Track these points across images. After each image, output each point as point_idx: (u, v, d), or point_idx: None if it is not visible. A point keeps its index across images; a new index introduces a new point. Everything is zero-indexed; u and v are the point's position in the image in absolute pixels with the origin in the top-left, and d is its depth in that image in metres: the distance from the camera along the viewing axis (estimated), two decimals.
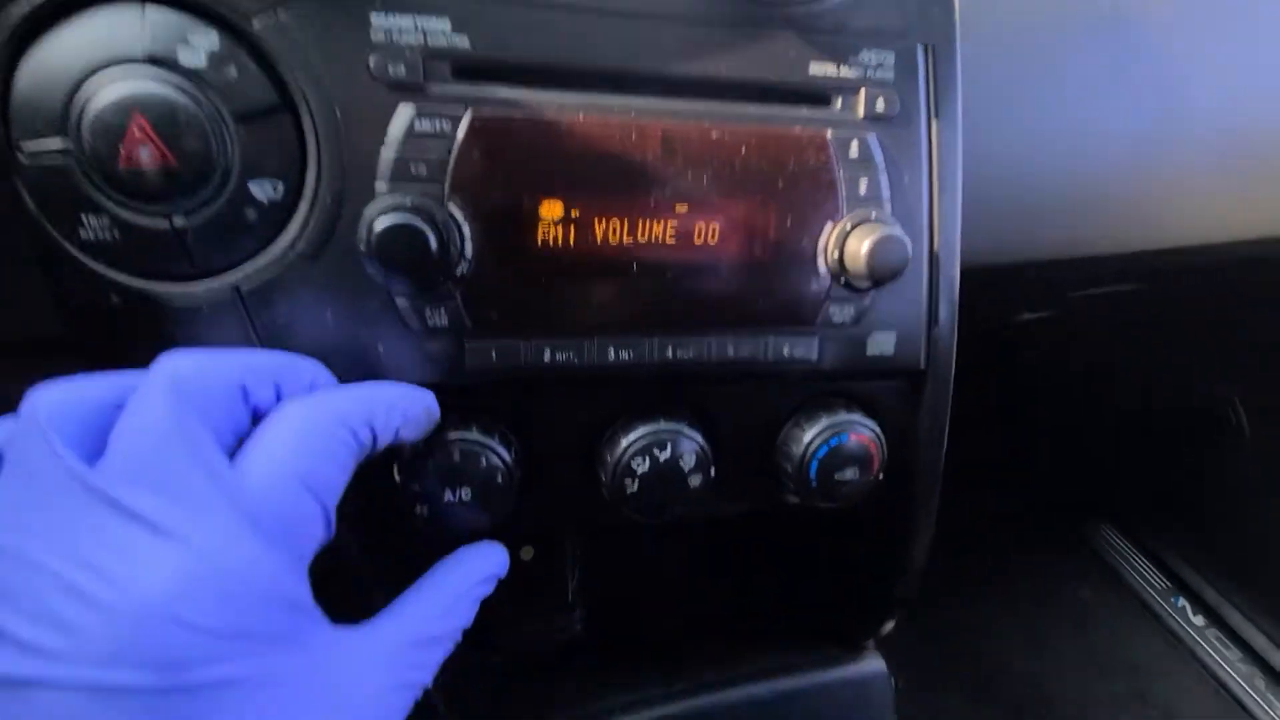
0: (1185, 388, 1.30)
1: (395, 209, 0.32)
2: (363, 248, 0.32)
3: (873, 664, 0.60)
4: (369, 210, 0.33)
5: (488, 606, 0.35)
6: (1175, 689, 1.22)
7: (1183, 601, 1.35)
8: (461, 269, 0.35)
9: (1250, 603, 1.27)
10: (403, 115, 0.33)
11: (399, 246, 0.31)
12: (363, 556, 0.41)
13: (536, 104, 0.34)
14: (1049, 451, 1.61)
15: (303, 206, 0.33)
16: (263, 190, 0.33)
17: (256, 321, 0.34)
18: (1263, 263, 0.89)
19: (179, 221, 0.32)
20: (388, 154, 0.33)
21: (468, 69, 0.34)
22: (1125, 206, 0.61)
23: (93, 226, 0.31)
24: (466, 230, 0.34)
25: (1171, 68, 0.60)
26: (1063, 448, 1.59)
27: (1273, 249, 0.74)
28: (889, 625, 0.59)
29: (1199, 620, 1.32)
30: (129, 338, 0.34)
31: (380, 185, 0.33)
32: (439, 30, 0.33)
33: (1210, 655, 1.27)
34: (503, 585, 0.37)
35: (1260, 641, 1.24)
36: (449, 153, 0.33)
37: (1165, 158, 0.62)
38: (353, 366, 0.35)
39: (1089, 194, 0.59)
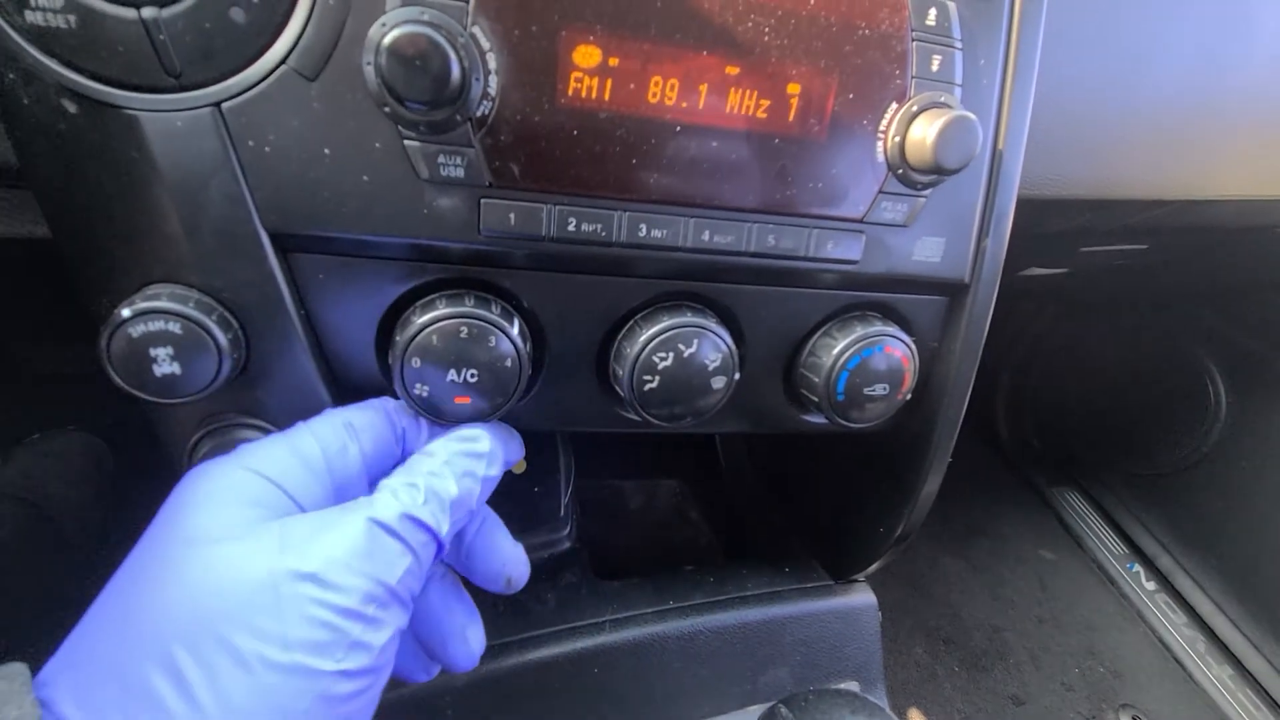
0: (1165, 357, 1.32)
1: (409, 21, 0.27)
2: (369, 67, 0.27)
3: (863, 596, 0.59)
4: (379, 21, 0.28)
5: None
6: (1122, 646, 1.27)
7: (1137, 567, 1.40)
8: (483, 109, 0.30)
9: (1201, 571, 1.32)
10: None
11: (413, 65, 0.27)
12: None
13: None
14: (1023, 413, 1.63)
15: (300, 11, 0.28)
16: None
17: (241, 151, 0.29)
18: (1266, 233, 0.88)
19: (149, 12, 0.26)
20: None
21: None
22: (1168, 148, 0.58)
23: (42, 5, 0.26)
24: (492, 62, 0.29)
25: (1235, 5, 0.57)
26: (1037, 410, 1.61)
27: None
28: (883, 561, 0.58)
29: (1150, 585, 1.37)
30: (88, 160, 0.29)
31: None
32: None
33: (1158, 618, 1.32)
34: (494, 495, 0.34)
35: (1206, 607, 1.29)
36: None
37: (1212, 101, 0.58)
38: (350, 215, 0.31)
39: (1136, 131, 0.56)
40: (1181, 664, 1.26)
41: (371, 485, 0.30)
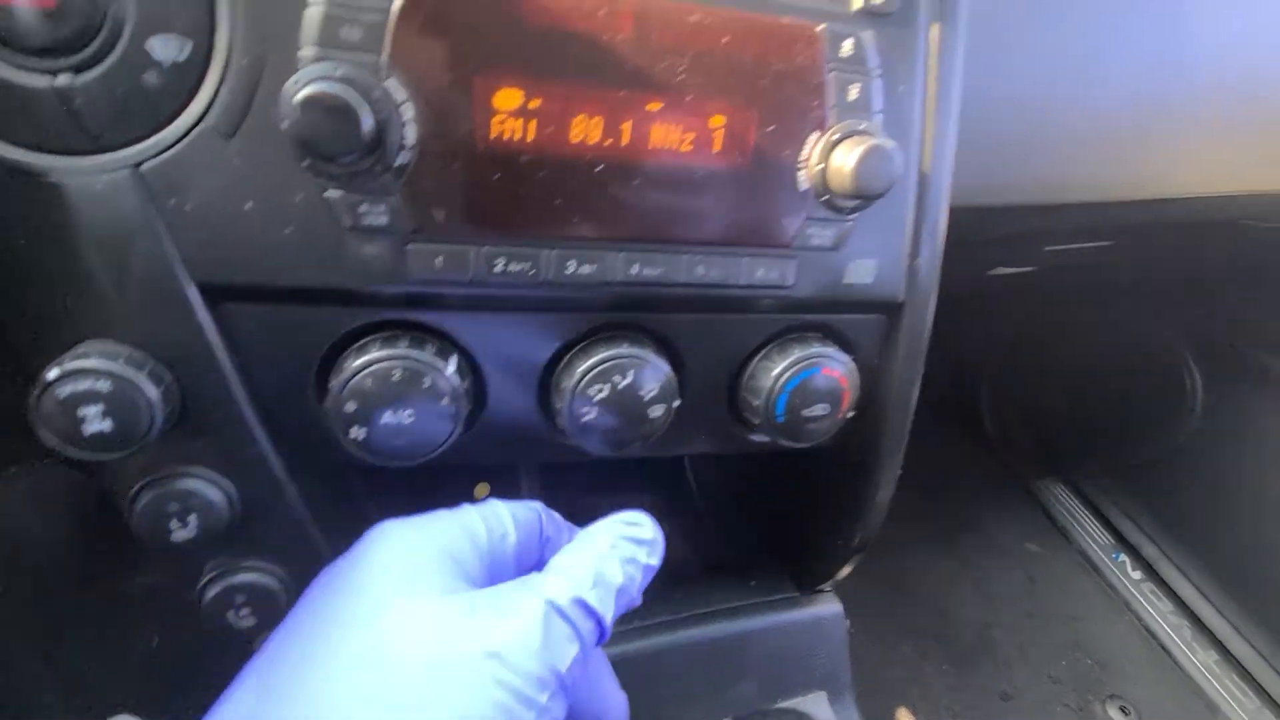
0: (1143, 350, 1.33)
1: (322, 78, 0.27)
2: (283, 124, 0.28)
3: (829, 606, 0.60)
4: (292, 78, 0.28)
5: None
6: (1109, 637, 1.28)
7: (1123, 557, 1.41)
8: (402, 159, 0.31)
9: (1184, 558, 1.33)
10: None
11: (324, 123, 0.27)
12: (295, 485, 0.38)
13: None
14: (1007, 409, 1.64)
15: (213, 72, 0.28)
16: (165, 49, 0.28)
17: (162, 209, 0.30)
18: (1234, 226, 0.89)
19: (63, 80, 0.27)
20: (314, 12, 0.28)
21: None
22: (1115, 151, 0.59)
23: None
24: (408, 112, 0.30)
25: (1180, 5, 0.58)
26: (1020, 406, 1.62)
27: (1251, 208, 0.73)
28: (847, 569, 0.59)
29: (1136, 574, 1.38)
30: (10, 224, 0.29)
31: (305, 50, 0.28)
32: None
33: (1144, 607, 1.33)
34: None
35: (1190, 594, 1.30)
36: (387, 16, 0.29)
37: (1165, 101, 0.59)
38: (276, 267, 0.31)
39: (1086, 134, 0.57)
40: (1168, 651, 1.27)
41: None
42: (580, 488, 0.69)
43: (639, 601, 0.30)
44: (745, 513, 0.68)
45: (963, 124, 0.49)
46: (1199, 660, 1.25)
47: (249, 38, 0.28)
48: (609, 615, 0.28)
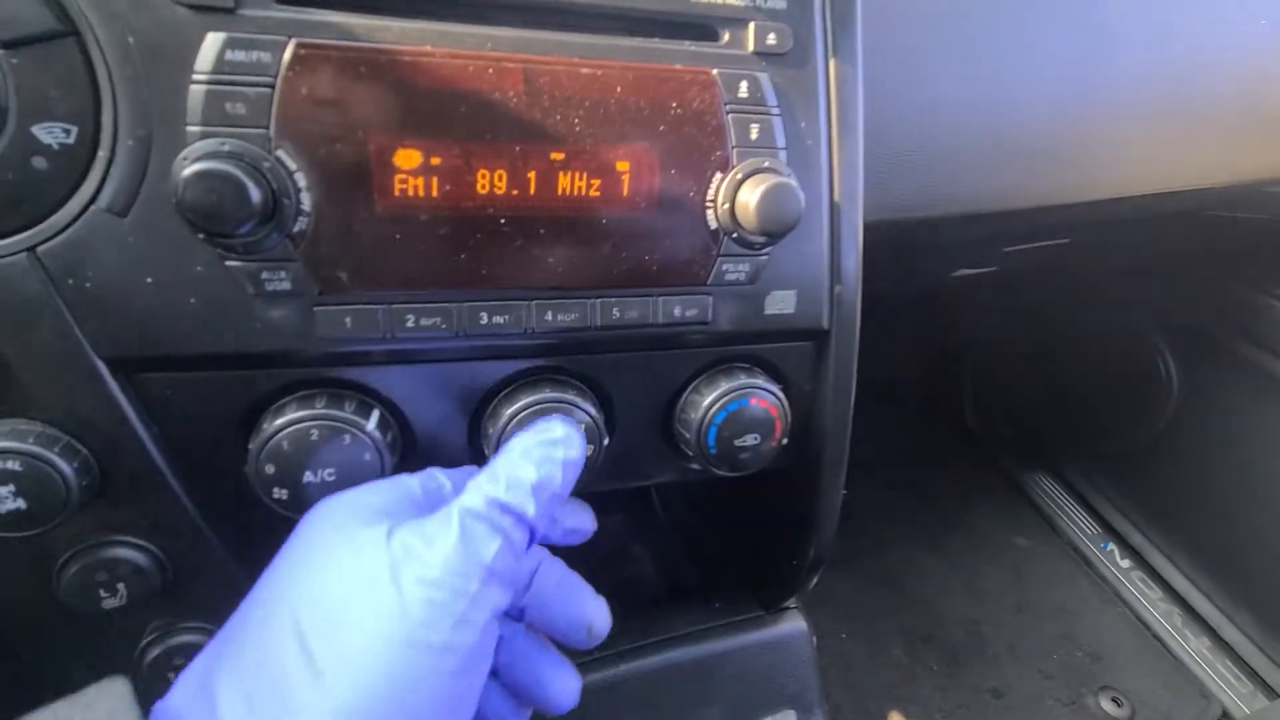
0: (1119, 339, 1.33)
1: (208, 155, 0.28)
2: (174, 201, 0.28)
3: (793, 624, 0.60)
4: (180, 155, 0.29)
5: None
6: (1100, 628, 1.28)
7: (1111, 546, 1.41)
8: (300, 225, 0.31)
9: (1173, 545, 1.33)
10: (211, 45, 0.28)
11: (211, 198, 0.27)
12: (225, 545, 0.38)
13: (374, 33, 0.30)
14: (990, 403, 1.65)
15: (102, 154, 0.29)
16: (51, 134, 0.28)
17: (62, 289, 0.30)
18: (1190, 215, 0.89)
19: None
20: (197, 91, 0.29)
21: None
22: (1051, 156, 0.60)
23: None
24: (301, 180, 0.30)
25: (1096, 12, 0.58)
26: (1003, 399, 1.62)
27: (1196, 201, 0.74)
28: (811, 583, 0.59)
29: (1125, 563, 1.38)
30: None
31: (191, 129, 0.29)
32: None
33: (1135, 596, 1.33)
34: None
35: (1180, 582, 1.30)
36: (272, 89, 0.29)
37: (1090, 106, 0.60)
38: (182, 337, 0.32)
39: (1015, 143, 0.57)
40: (1160, 639, 1.27)
41: None
42: None
43: (564, 495, 0.32)
44: (709, 534, 0.68)
45: (886, 146, 0.50)
46: (1191, 647, 1.24)
47: (133, 119, 0.28)
48: (531, 509, 0.30)
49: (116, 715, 0.23)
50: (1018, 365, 1.59)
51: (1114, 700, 1.16)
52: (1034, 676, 1.19)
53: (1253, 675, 1.19)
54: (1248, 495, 1.17)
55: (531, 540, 0.31)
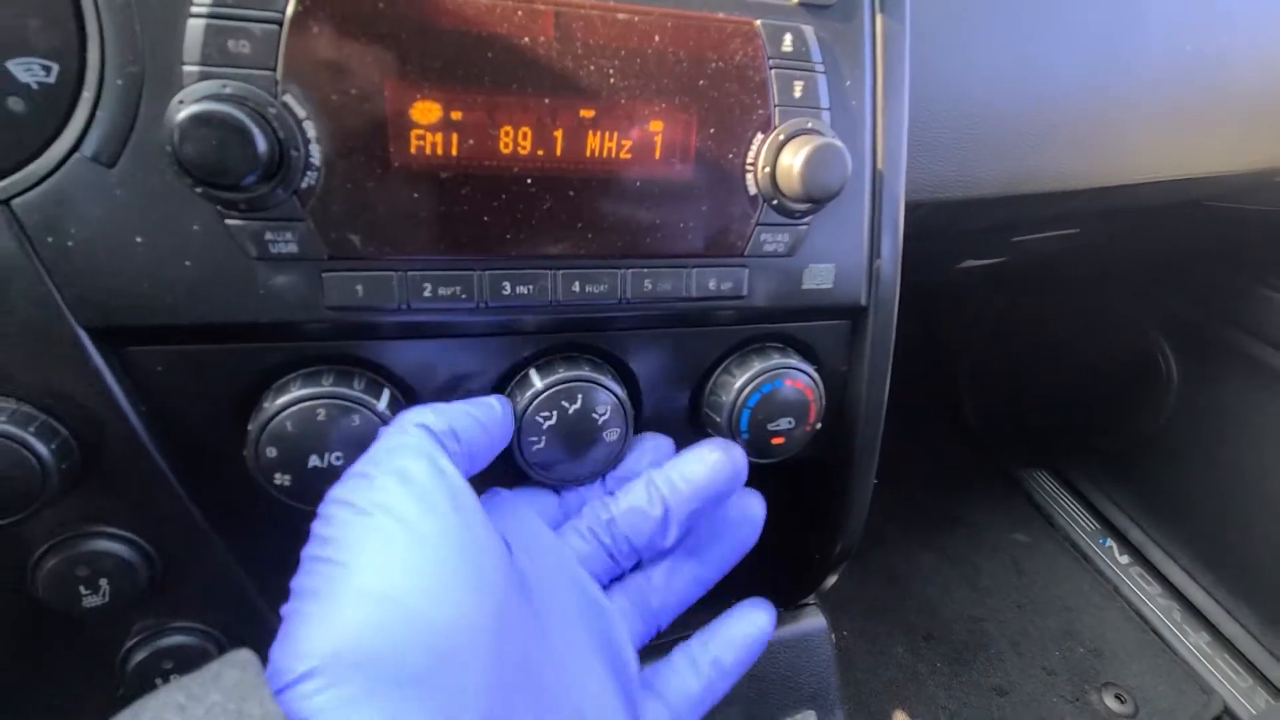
0: (1118, 334, 1.33)
1: (208, 98, 0.25)
2: (169, 149, 0.25)
3: (813, 621, 0.58)
4: (175, 98, 0.26)
5: None
6: (1101, 624, 1.28)
7: (1110, 542, 1.41)
8: (309, 180, 0.28)
9: (1171, 541, 1.33)
10: None
11: (214, 145, 0.24)
12: (222, 537, 0.35)
13: None
14: (988, 399, 1.64)
15: (86, 95, 0.26)
16: (29, 72, 0.25)
17: (40, 248, 0.27)
18: (1196, 207, 0.89)
19: None
20: (196, 25, 0.26)
21: None
22: (1073, 139, 0.58)
23: None
24: (310, 130, 0.27)
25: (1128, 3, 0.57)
26: (1001, 395, 1.62)
27: (1214, 188, 0.73)
28: (831, 580, 0.57)
29: (1124, 559, 1.38)
30: None
31: (189, 68, 0.26)
32: None
33: (1134, 591, 1.33)
34: None
35: (1179, 577, 1.30)
36: (280, 25, 0.26)
37: (1114, 89, 0.58)
38: (176, 305, 0.28)
39: (1046, 124, 0.56)
40: (1160, 635, 1.26)
41: None
42: None
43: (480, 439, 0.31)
44: None
45: (917, 122, 0.48)
46: (1191, 643, 1.24)
47: (122, 55, 0.25)
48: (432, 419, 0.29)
49: (244, 685, 0.21)
50: (1017, 362, 1.58)
51: (1117, 697, 1.15)
52: (1037, 673, 1.18)
53: (1252, 669, 1.18)
54: (1246, 490, 1.17)
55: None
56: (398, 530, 0.25)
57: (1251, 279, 1.09)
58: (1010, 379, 1.59)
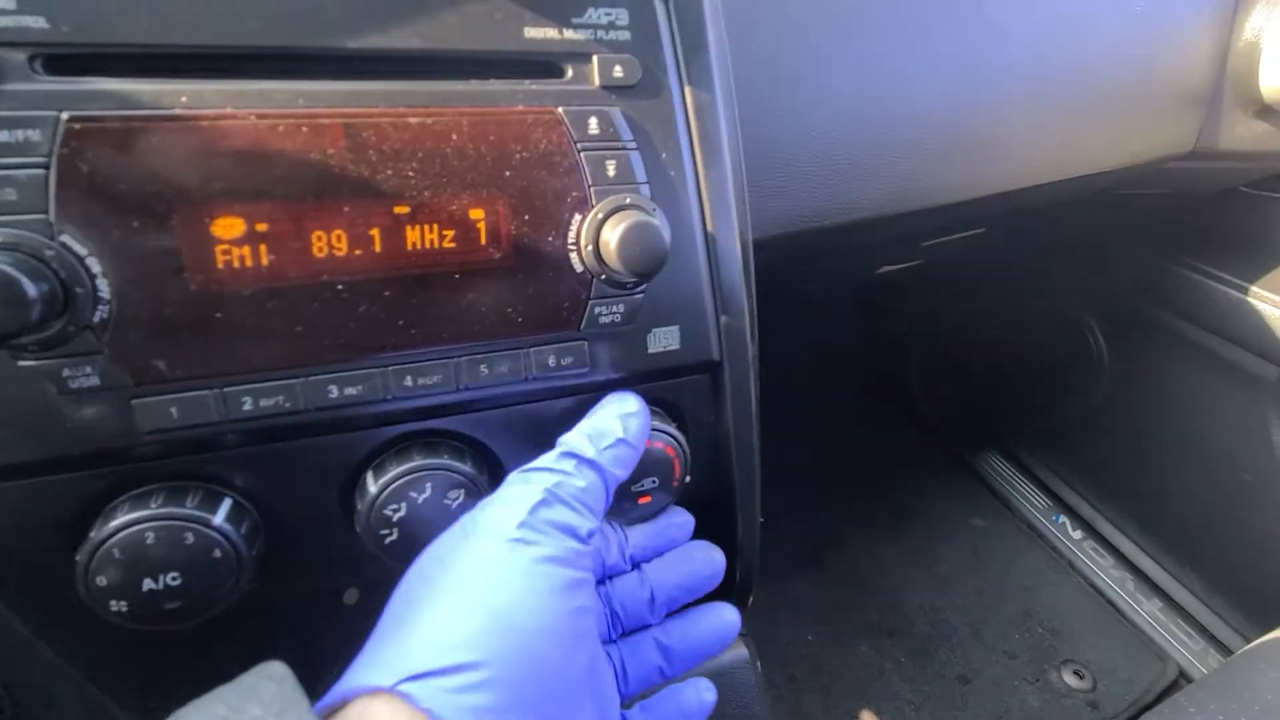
0: (1050, 317, 1.36)
1: None
2: None
3: (734, 651, 0.58)
4: None
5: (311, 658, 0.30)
6: (1058, 601, 1.31)
7: (1062, 518, 1.44)
8: (100, 314, 0.28)
9: (1118, 513, 1.37)
10: None
11: None
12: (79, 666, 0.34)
13: (162, 98, 0.27)
14: (938, 388, 1.67)
15: None
16: None
17: None
18: (1104, 195, 0.91)
19: None
20: None
21: (58, 58, 0.26)
22: (945, 154, 0.60)
23: None
24: (95, 265, 0.27)
25: (979, 13, 0.58)
26: (950, 383, 1.65)
27: (1094, 185, 0.75)
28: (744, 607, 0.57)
29: (1077, 534, 1.41)
30: None
31: None
32: (2, 9, 0.25)
33: (1088, 565, 1.36)
34: (328, 631, 0.33)
35: (1128, 547, 1.34)
36: (47, 169, 0.26)
37: (983, 102, 0.60)
38: None
39: (906, 145, 0.57)
40: (1115, 606, 1.30)
41: None
42: None
43: (632, 442, 0.35)
44: None
45: (782, 161, 0.49)
46: (1145, 610, 1.28)
47: None
48: (588, 450, 0.33)
49: (281, 698, 0.21)
50: (960, 350, 1.61)
51: (1075, 673, 1.18)
52: (999, 658, 1.21)
53: (1203, 631, 1.22)
54: (1181, 458, 1.20)
55: (605, 483, 0.33)
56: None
57: (1167, 258, 1.13)
58: (957, 367, 1.63)
